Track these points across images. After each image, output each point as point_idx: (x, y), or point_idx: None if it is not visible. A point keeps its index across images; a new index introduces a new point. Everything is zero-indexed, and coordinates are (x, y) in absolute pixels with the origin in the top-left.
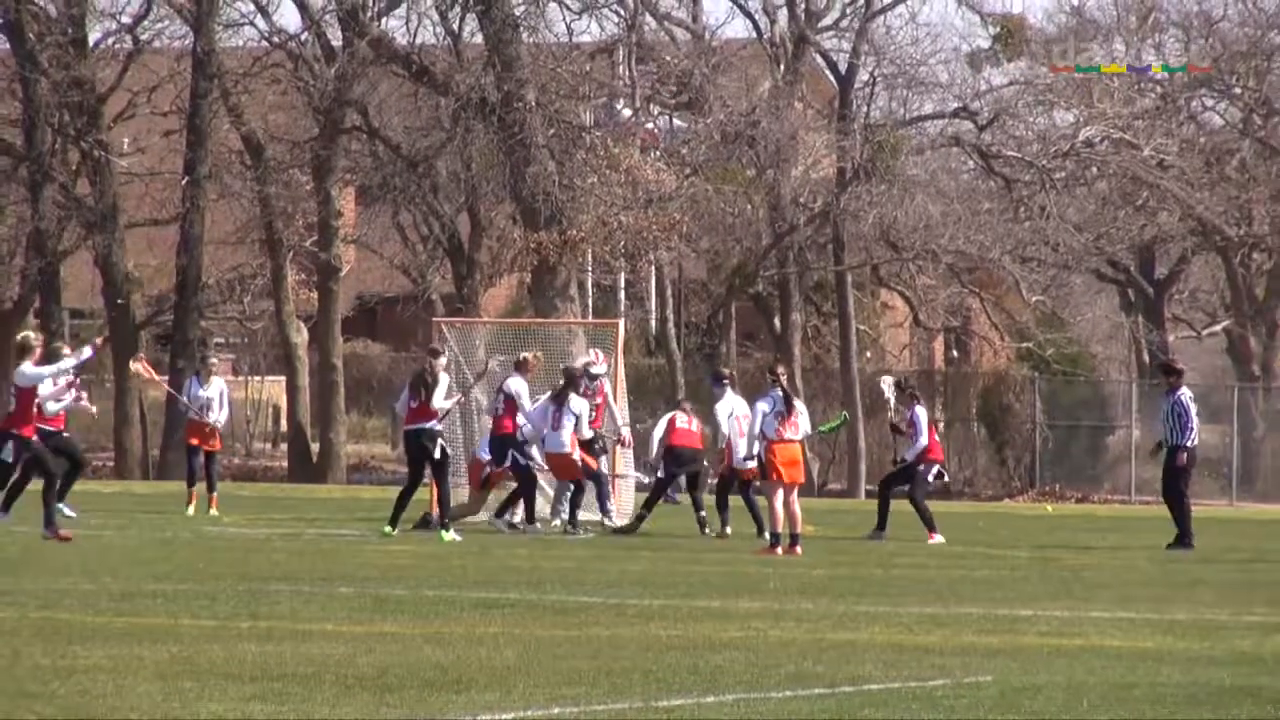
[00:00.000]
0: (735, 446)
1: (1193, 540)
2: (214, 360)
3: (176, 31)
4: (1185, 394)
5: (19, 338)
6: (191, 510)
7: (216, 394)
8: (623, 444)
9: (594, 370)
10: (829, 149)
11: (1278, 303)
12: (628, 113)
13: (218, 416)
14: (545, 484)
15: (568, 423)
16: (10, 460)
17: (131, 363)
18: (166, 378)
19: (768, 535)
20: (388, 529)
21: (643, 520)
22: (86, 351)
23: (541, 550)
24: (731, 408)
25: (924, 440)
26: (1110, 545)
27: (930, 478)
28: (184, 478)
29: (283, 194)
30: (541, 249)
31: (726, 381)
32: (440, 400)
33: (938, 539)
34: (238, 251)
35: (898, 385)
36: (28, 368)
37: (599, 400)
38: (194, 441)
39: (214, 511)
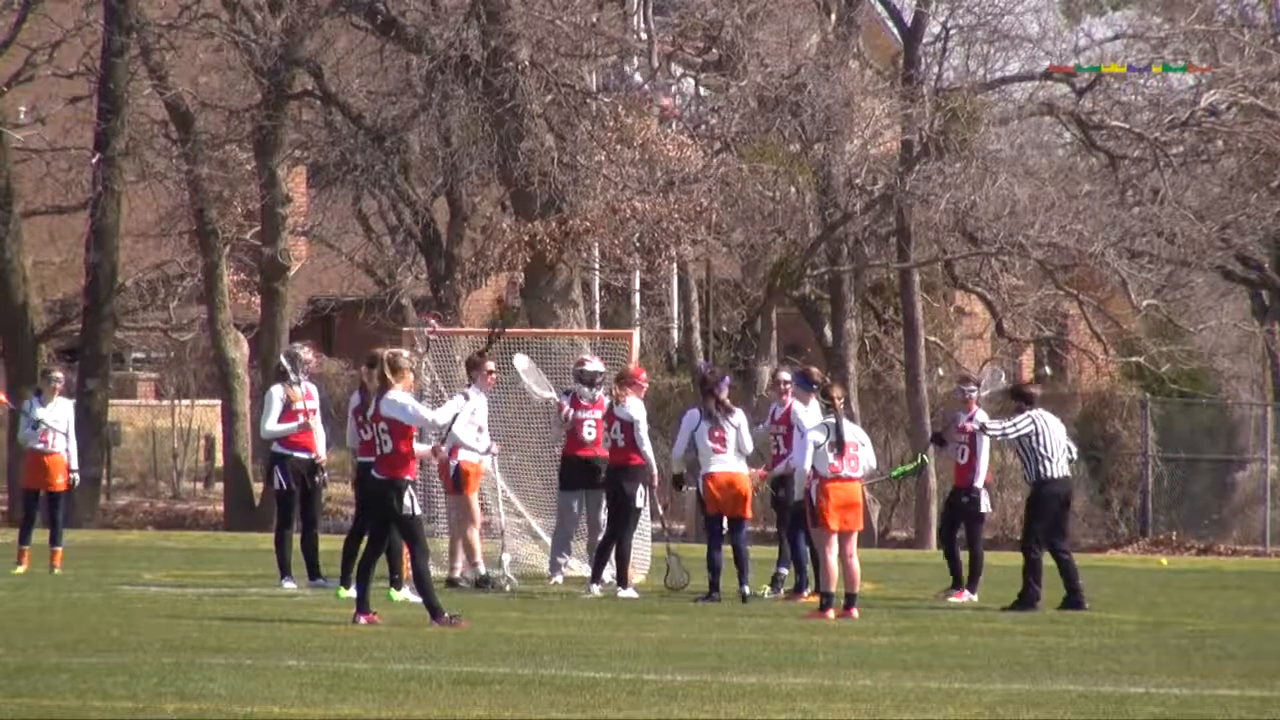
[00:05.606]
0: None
1: None
2: (58, 375)
3: None
4: None
5: None
6: (22, 569)
7: (62, 417)
8: None
9: (587, 369)
10: (891, 118)
11: None
12: (642, 75)
13: (67, 446)
14: (542, 531)
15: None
16: None
17: None
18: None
19: (819, 595)
20: (342, 591)
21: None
22: None
23: (537, 614)
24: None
25: (985, 459)
26: (1240, 607)
27: (986, 506)
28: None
29: (217, 175)
30: (537, 242)
31: (817, 386)
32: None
33: (969, 597)
34: (162, 246)
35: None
36: None
37: (599, 415)
38: (31, 484)
39: (58, 570)
